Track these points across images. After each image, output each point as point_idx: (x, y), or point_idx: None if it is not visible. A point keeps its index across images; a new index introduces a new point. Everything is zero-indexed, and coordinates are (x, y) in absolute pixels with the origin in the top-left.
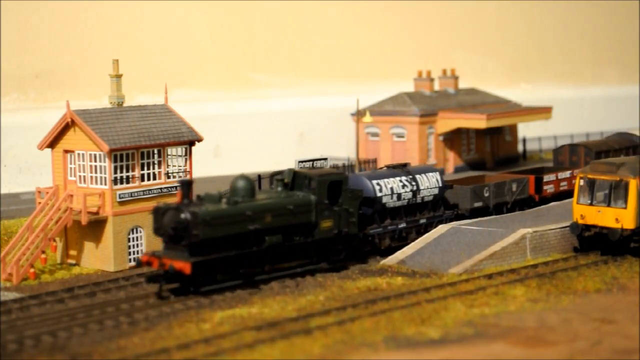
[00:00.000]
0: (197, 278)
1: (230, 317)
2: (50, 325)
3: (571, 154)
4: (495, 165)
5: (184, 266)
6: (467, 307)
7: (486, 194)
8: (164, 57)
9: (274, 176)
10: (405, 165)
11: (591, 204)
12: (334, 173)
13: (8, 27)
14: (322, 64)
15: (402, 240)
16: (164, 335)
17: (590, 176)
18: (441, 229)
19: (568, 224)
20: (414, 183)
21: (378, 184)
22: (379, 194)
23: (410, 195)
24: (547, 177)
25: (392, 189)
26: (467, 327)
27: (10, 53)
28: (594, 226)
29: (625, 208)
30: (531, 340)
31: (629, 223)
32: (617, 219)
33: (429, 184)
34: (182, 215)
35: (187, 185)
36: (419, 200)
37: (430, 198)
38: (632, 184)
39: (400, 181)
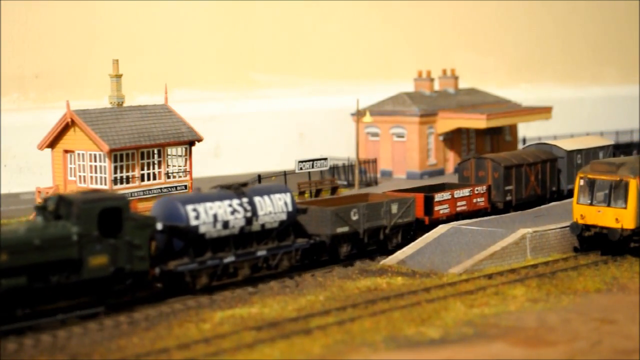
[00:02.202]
0: None
1: (230, 317)
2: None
3: (477, 169)
4: None
5: None
6: (467, 307)
7: (354, 217)
8: (164, 57)
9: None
10: (244, 184)
11: (591, 204)
12: (110, 198)
13: (8, 27)
14: (322, 64)
15: (231, 276)
16: (164, 335)
17: (590, 176)
18: (441, 229)
19: (568, 224)
20: (249, 207)
21: (195, 209)
22: (194, 222)
23: (242, 222)
24: (439, 196)
25: (215, 215)
26: (467, 327)
27: (10, 53)
28: (594, 226)
29: (625, 208)
30: (531, 340)
31: (629, 223)
32: (617, 219)
33: (272, 208)
34: None
35: None
36: (257, 228)
37: (275, 225)
38: (632, 184)
39: (230, 205)
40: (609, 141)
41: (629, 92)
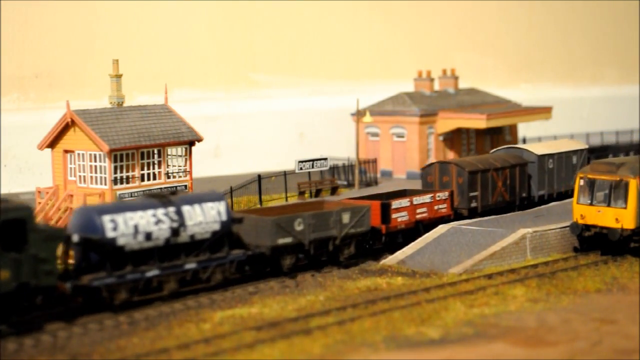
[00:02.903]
0: None
1: (230, 317)
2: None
3: (441, 174)
4: None
5: None
6: (467, 307)
7: (299, 228)
8: (164, 57)
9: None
10: (173, 193)
11: (591, 204)
12: (12, 209)
13: (8, 27)
14: (322, 64)
15: (156, 291)
16: (164, 335)
17: (590, 176)
18: (441, 229)
19: (568, 224)
20: (176, 217)
21: (113, 220)
22: (110, 234)
23: (168, 233)
24: (397, 204)
25: (136, 226)
26: (467, 327)
27: (10, 53)
28: (594, 226)
29: (625, 208)
30: (531, 340)
31: (629, 223)
32: (617, 219)
33: (203, 217)
34: None
35: None
36: (185, 239)
37: (207, 236)
38: (632, 184)
39: (154, 215)
40: (582, 145)
41: (629, 92)
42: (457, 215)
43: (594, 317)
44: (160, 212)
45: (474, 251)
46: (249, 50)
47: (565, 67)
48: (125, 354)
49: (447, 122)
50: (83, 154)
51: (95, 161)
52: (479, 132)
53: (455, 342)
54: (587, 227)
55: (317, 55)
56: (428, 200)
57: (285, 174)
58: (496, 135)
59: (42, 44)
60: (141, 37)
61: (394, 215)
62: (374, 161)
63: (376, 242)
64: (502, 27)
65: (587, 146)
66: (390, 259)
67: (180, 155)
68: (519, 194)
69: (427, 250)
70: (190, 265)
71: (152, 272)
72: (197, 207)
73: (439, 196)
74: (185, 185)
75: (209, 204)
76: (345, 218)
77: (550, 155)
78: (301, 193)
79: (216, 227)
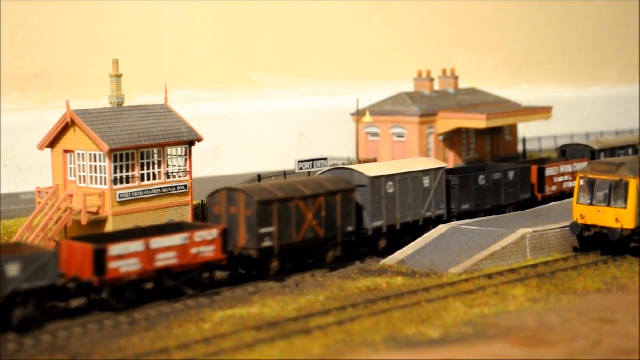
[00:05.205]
0: None
1: (230, 317)
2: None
3: (229, 204)
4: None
5: None
6: (467, 307)
7: None
8: (164, 57)
9: None
10: None
11: (591, 204)
12: None
13: (8, 27)
14: (322, 64)
15: None
16: (164, 335)
17: (590, 176)
18: (441, 228)
19: (568, 224)
20: None
21: None
22: None
23: None
24: (118, 249)
25: None
26: (467, 327)
27: (10, 53)
28: (594, 226)
29: (625, 208)
30: (531, 340)
31: (629, 223)
32: (617, 219)
33: None
34: None
35: None
36: None
37: None
38: (632, 184)
39: None
40: (438, 163)
41: (629, 92)
42: (242, 258)
43: (594, 317)
44: None
45: (474, 251)
46: (249, 50)
47: (565, 67)
48: (125, 354)
49: (447, 122)
50: (83, 154)
51: (95, 161)
52: (479, 132)
53: (455, 342)
54: (587, 227)
55: (317, 55)
56: (180, 242)
57: (285, 174)
58: (496, 135)
59: (42, 44)
60: (141, 37)
61: (112, 265)
62: (374, 161)
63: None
64: (502, 27)
65: (444, 165)
66: (390, 259)
67: (180, 155)
68: (342, 228)
69: (427, 250)
70: None
71: None
72: None
73: (200, 236)
74: (185, 185)
75: None
76: (13, 270)
77: (390, 177)
78: None
79: None
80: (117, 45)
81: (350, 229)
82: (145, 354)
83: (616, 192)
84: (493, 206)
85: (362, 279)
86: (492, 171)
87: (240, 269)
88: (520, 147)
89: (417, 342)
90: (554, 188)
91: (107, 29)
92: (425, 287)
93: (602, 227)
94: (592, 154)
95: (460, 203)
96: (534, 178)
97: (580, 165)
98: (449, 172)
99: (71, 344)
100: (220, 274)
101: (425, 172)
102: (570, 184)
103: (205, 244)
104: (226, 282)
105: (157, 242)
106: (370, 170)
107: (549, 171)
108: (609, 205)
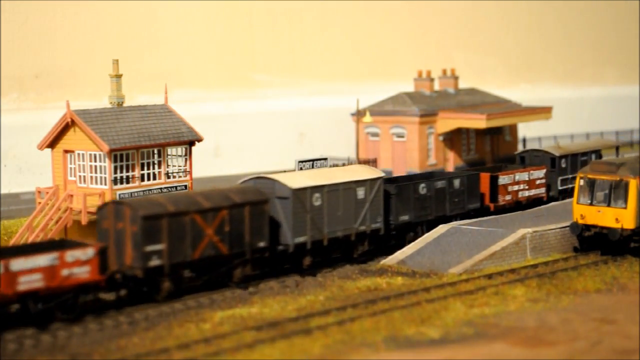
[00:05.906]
0: None
1: (230, 317)
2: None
3: (117, 219)
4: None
5: None
6: (467, 307)
7: None
8: (164, 57)
9: None
10: None
11: (591, 204)
12: None
13: (8, 27)
14: (322, 64)
15: None
16: (164, 335)
17: (590, 176)
18: (441, 229)
19: (568, 224)
20: None
21: None
22: None
23: None
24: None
25: None
26: (467, 327)
27: (10, 53)
28: (594, 226)
29: (625, 208)
30: (531, 340)
31: (629, 223)
32: (617, 219)
33: None
34: None
35: None
36: None
37: None
38: (632, 184)
39: None
40: (376, 173)
41: (629, 92)
42: (127, 279)
43: (594, 317)
44: None
45: (474, 251)
46: (249, 50)
47: (565, 67)
48: (125, 354)
49: (447, 122)
50: (83, 154)
51: (95, 161)
52: (479, 132)
53: (455, 342)
54: (587, 227)
55: (317, 55)
56: (46, 263)
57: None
58: (496, 135)
59: (42, 44)
60: (141, 37)
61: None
62: (374, 161)
63: None
64: (502, 27)
65: (382, 174)
66: (390, 259)
67: (180, 155)
68: (250, 244)
69: (427, 250)
70: None
71: None
72: None
73: (72, 256)
74: (185, 185)
75: None
76: None
77: (317, 188)
78: None
79: None
80: (117, 45)
81: (262, 244)
82: (145, 354)
83: (616, 192)
84: (437, 216)
85: (362, 279)
86: (435, 179)
87: (125, 290)
88: (520, 147)
89: (417, 342)
90: (508, 197)
91: (107, 29)
92: (425, 287)
93: (602, 227)
94: (552, 161)
95: (397, 214)
96: (484, 186)
97: (538, 173)
98: (390, 181)
99: (71, 344)
100: (108, 296)
101: (360, 183)
102: (527, 193)
103: (78, 264)
104: (112, 305)
105: (18, 264)
106: (295, 180)
107: (503, 179)
108: (609, 205)
